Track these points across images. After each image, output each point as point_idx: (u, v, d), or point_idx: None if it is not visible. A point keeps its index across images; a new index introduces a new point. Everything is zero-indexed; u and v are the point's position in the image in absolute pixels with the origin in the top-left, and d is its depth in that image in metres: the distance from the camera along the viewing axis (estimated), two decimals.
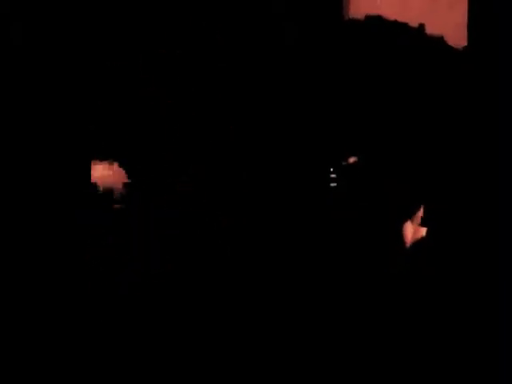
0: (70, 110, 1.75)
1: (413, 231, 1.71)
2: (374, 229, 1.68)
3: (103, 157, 1.74)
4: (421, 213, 1.71)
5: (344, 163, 1.68)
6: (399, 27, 1.67)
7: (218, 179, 1.74)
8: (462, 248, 1.69)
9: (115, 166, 1.75)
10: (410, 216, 1.70)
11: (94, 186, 1.73)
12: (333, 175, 1.69)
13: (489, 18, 1.67)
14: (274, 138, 1.74)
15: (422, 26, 1.68)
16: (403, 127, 1.67)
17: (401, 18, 1.68)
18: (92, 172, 1.74)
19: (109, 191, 1.73)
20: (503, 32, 1.64)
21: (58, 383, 1.64)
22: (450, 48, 1.68)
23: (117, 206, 1.73)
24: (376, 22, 1.66)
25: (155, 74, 1.76)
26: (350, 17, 1.69)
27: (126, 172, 1.74)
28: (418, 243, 1.69)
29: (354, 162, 1.68)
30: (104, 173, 1.74)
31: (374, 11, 1.68)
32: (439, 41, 1.68)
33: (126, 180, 1.74)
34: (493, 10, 1.66)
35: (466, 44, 1.70)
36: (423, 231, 1.71)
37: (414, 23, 1.68)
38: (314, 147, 1.73)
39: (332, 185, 1.70)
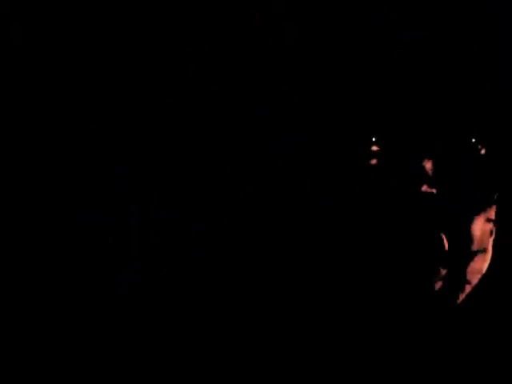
0: (70, 110, 1.75)
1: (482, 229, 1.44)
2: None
3: (104, 156, 1.74)
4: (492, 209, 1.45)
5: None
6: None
7: (218, 179, 1.74)
8: None
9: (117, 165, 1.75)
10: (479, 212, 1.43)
11: (94, 185, 1.73)
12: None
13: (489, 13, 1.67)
14: (273, 137, 1.74)
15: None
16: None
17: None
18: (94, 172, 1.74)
19: (109, 191, 1.73)
20: (503, 28, 1.63)
21: (58, 383, 1.64)
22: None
23: (117, 205, 1.73)
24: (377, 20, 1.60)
25: (155, 74, 1.76)
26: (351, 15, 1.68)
27: (126, 172, 1.74)
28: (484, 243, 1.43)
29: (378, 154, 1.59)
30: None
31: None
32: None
33: (127, 180, 1.74)
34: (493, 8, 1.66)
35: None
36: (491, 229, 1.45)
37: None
38: (315, 145, 1.72)
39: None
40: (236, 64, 1.75)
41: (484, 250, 1.44)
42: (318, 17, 1.72)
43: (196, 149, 1.75)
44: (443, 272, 1.42)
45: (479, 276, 1.44)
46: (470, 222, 1.41)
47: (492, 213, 1.44)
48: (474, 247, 1.42)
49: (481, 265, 1.45)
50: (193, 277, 1.71)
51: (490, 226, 1.44)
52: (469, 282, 1.43)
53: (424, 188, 1.46)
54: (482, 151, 1.57)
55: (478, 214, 1.42)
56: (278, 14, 1.73)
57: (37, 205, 1.71)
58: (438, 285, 1.44)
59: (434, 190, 1.46)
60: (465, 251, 1.42)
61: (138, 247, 1.71)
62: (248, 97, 1.74)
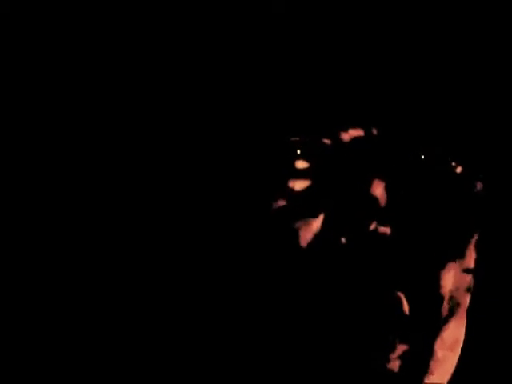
0: (70, 110, 1.75)
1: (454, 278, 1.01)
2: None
3: (103, 157, 1.74)
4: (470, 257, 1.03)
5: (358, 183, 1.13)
6: None
7: (217, 180, 1.74)
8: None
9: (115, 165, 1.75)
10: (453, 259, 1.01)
11: (94, 185, 1.73)
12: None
13: None
14: (274, 137, 1.74)
15: None
16: None
17: None
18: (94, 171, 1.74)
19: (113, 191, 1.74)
20: None
21: (58, 383, 1.64)
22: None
23: (116, 206, 1.73)
24: None
25: (155, 73, 1.76)
26: None
27: (126, 172, 1.75)
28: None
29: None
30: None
31: None
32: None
33: (127, 180, 1.74)
34: None
35: None
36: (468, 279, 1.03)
37: None
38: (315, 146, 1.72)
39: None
40: (236, 64, 1.75)
41: (459, 314, 1.02)
42: (317, 17, 1.72)
43: (196, 149, 1.76)
44: (402, 347, 0.99)
45: (456, 352, 1.00)
46: (439, 274, 1.00)
47: (471, 260, 1.05)
48: (446, 310, 1.00)
49: (456, 335, 1.02)
50: (193, 277, 1.71)
51: (468, 278, 1.03)
52: (440, 362, 0.97)
53: (372, 226, 1.04)
54: (458, 170, 1.13)
55: (450, 262, 1.01)
56: (277, 14, 1.73)
57: (36, 204, 1.72)
58: (395, 365, 1.00)
59: (388, 230, 1.05)
60: (433, 316, 0.99)
61: (137, 247, 1.72)
62: (247, 97, 1.74)
